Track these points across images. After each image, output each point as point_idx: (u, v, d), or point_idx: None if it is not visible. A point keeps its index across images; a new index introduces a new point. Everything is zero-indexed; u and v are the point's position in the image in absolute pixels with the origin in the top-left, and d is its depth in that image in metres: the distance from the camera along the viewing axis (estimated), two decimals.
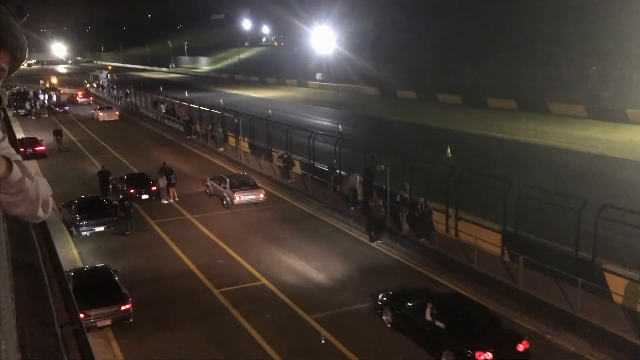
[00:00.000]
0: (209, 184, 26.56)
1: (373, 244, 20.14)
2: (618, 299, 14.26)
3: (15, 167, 1.55)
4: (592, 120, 44.11)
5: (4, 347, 1.43)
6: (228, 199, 24.26)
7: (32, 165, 30.10)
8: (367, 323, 14.54)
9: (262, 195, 24.49)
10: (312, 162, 28.35)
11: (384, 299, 14.54)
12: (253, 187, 24.95)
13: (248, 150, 34.84)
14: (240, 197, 23.91)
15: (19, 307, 2.57)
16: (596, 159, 31.08)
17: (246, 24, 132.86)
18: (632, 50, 48.07)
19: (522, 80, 56.10)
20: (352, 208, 23.24)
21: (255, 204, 24.54)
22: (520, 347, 12.13)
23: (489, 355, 11.62)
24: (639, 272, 13.66)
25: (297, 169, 29.19)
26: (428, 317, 12.91)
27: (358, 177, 24.16)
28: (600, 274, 14.84)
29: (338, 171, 25.90)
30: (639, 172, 27.83)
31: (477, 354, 11.64)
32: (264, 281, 17.06)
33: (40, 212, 1.64)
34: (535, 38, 57.23)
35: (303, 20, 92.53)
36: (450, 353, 12.19)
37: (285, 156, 29.56)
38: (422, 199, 19.78)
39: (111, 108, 57.28)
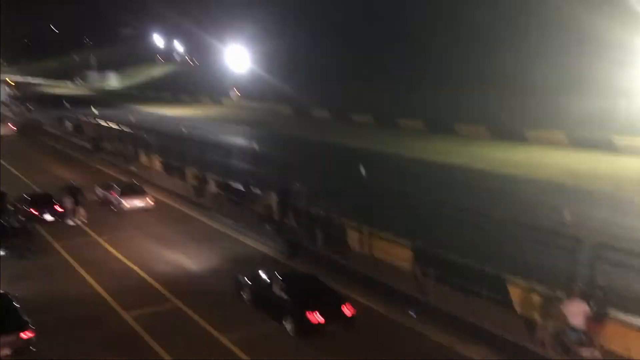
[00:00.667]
0: (97, 191, 27.24)
1: (289, 262, 20.11)
2: (519, 309, 15.05)
3: None
4: (494, 141, 46.58)
5: None
6: (118, 204, 25.60)
7: None
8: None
9: (149, 200, 26.23)
10: (226, 180, 28.07)
11: (243, 279, 16.92)
12: (140, 193, 26.53)
13: (160, 169, 34.02)
14: (128, 203, 25.50)
15: None
16: (498, 176, 32.79)
17: (158, 40, 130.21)
18: (527, 76, 51.43)
19: (429, 101, 58.39)
20: (268, 227, 23.18)
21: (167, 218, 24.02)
22: (345, 309, 15.08)
23: (317, 314, 14.54)
24: (540, 284, 14.45)
25: (211, 187, 28.79)
26: (276, 291, 15.65)
27: (274, 195, 24.16)
28: (504, 286, 15.62)
29: (253, 189, 25.79)
30: (539, 189, 29.62)
31: (307, 313, 14.54)
32: (176, 302, 16.64)
33: None
34: (443, 61, 60.02)
35: (217, 38, 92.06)
36: (289, 317, 14.94)
37: (199, 175, 29.12)
38: (337, 216, 20.07)
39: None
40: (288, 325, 14.91)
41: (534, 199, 27.29)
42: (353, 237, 20.35)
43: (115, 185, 27.22)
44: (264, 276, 16.56)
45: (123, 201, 25.65)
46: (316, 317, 14.55)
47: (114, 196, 26.32)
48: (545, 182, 30.91)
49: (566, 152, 40.00)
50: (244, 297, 16.73)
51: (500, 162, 36.95)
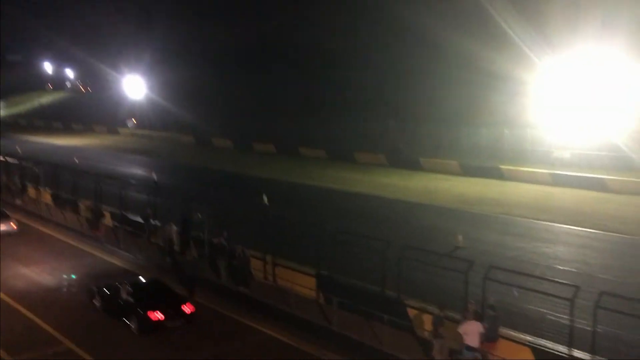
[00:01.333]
0: None
1: (191, 296, 19.58)
2: (417, 331, 15.56)
3: None
4: (392, 169, 48.30)
5: None
6: None
7: None
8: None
9: (13, 225, 26.75)
10: (123, 213, 27.04)
11: (95, 289, 18.55)
12: (4, 216, 27.02)
13: (51, 202, 32.20)
14: None
15: None
16: (396, 203, 33.98)
17: (47, 67, 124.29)
18: (426, 106, 54.17)
19: (330, 130, 59.68)
20: (168, 260, 22.53)
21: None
22: (185, 308, 17.08)
23: (158, 313, 16.50)
24: (436, 305, 15.02)
25: (107, 220, 27.59)
26: (123, 295, 17.38)
27: (175, 227, 23.57)
28: (403, 309, 16.09)
29: (152, 221, 25.02)
30: (434, 214, 30.96)
31: (148, 313, 16.46)
32: (70, 344, 15.73)
33: None
34: (344, 89, 61.97)
35: (112, 66, 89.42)
36: (134, 317, 16.72)
37: (92, 207, 27.86)
38: (240, 247, 19.88)
39: None
40: (133, 325, 16.72)
41: (430, 224, 28.53)
42: (257, 267, 20.22)
43: None
44: (113, 284, 18.36)
45: None
46: (156, 315, 16.50)
47: None
48: (439, 208, 32.39)
49: (459, 179, 42.15)
50: (96, 305, 18.23)
51: (397, 190, 38.30)
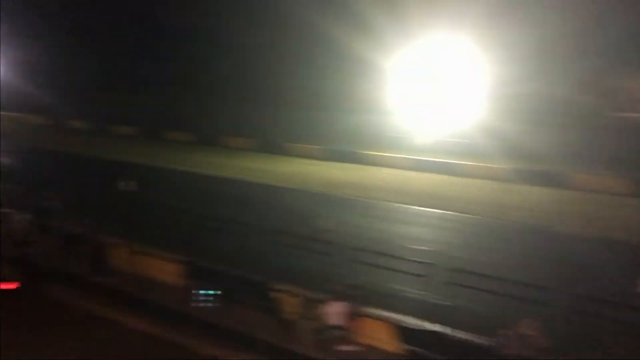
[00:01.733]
0: None
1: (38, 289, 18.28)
2: (282, 313, 15.82)
3: None
4: (259, 154, 48.39)
5: None
6: None
7: None
8: None
9: None
10: None
11: None
12: None
13: None
14: None
15: None
16: (262, 187, 34.11)
17: None
18: (283, 92, 54.81)
19: (197, 114, 58.38)
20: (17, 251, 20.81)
21: None
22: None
23: None
24: (301, 287, 15.33)
25: None
26: None
27: (26, 215, 21.81)
28: (267, 292, 16.24)
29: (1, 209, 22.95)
30: (300, 198, 31.46)
31: None
32: None
33: None
34: (210, 71, 60.71)
35: None
36: None
37: None
38: (99, 234, 18.89)
39: None
40: None
41: (295, 207, 28.96)
42: (118, 256, 19.32)
43: None
44: None
45: None
46: None
47: None
48: (303, 192, 33.00)
49: (323, 164, 43.18)
50: None
51: (263, 174, 38.44)
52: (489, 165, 38.29)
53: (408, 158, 42.27)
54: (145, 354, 14.59)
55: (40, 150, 46.65)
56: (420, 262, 14.83)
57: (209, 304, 16.22)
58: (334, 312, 14.28)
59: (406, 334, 14.23)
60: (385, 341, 14.54)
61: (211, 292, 16.79)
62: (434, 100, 46.64)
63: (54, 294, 17.90)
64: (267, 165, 42.27)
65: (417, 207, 29.61)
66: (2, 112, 69.43)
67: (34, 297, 17.60)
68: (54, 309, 17.00)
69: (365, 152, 44.27)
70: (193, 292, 17.06)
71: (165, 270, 18.22)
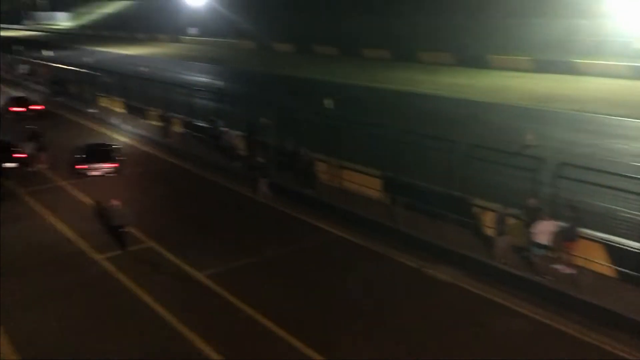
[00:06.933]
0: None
1: (260, 198, 20.19)
2: (486, 231, 15.57)
3: None
4: (459, 68, 46.61)
5: None
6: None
7: None
8: None
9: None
10: (191, 119, 27.71)
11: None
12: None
13: (123, 111, 33.28)
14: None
15: None
16: (462, 103, 33.05)
17: None
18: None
19: (393, 30, 57.72)
20: (236, 165, 23.11)
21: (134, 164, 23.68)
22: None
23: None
24: (505, 204, 14.87)
25: (176, 127, 28.39)
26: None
27: (236, 133, 23.98)
28: (469, 208, 16.05)
29: (219, 127, 25.51)
30: (503, 113, 30.00)
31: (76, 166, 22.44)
32: (151, 243, 16.68)
33: None
34: None
35: None
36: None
37: (163, 115, 28.62)
38: (303, 150, 20.09)
39: None
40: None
41: (498, 123, 27.72)
42: (322, 170, 20.48)
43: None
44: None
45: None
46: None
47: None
48: (508, 106, 31.31)
49: (529, 76, 40.34)
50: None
51: (463, 89, 37.15)
52: None
53: (627, 65, 37.57)
54: (346, 260, 15.51)
55: (249, 73, 50.28)
56: (636, 179, 13.34)
57: (408, 218, 16.58)
58: (542, 230, 13.67)
59: (621, 255, 13.20)
60: (598, 263, 13.65)
61: (411, 205, 17.11)
62: None
63: (268, 203, 19.70)
64: (467, 80, 40.77)
65: (636, 120, 26.52)
66: (214, 38, 75.64)
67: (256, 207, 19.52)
68: (269, 214, 18.77)
69: (577, 60, 40.27)
70: (393, 205, 17.56)
71: (367, 184, 18.91)
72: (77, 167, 22.70)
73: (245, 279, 14.49)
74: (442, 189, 16.84)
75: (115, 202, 16.33)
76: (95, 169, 22.71)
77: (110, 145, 25.03)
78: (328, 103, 31.23)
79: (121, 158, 23.53)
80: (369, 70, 47.68)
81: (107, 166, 22.76)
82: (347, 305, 13.11)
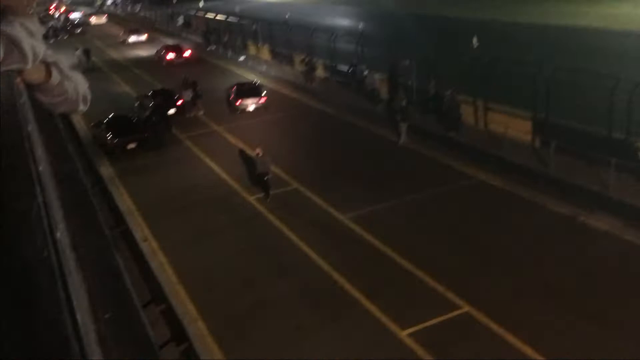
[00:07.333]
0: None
1: (401, 143, 20.00)
2: None
3: (54, 72, 1.57)
4: None
5: (61, 248, 1.51)
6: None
7: None
8: None
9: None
10: (333, 64, 27.94)
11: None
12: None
13: (269, 58, 34.33)
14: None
15: (68, 215, 2.69)
16: (628, 36, 29.78)
17: None
18: None
19: None
20: (379, 108, 23.03)
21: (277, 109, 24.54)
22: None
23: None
24: None
25: (319, 71, 28.77)
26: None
27: (379, 76, 23.76)
28: (632, 151, 14.65)
29: (361, 71, 25.41)
30: None
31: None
32: (296, 185, 17.34)
33: (81, 106, 1.70)
34: None
35: None
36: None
37: (307, 60, 29.11)
38: (449, 92, 19.46)
39: (140, 30, 53.83)
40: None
41: None
42: (467, 112, 19.75)
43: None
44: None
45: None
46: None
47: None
48: None
49: None
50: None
51: (629, 20, 33.38)
52: None
53: None
54: (493, 206, 15.01)
55: (390, 14, 49.14)
56: None
57: (561, 162, 15.54)
58: None
59: None
60: None
61: (563, 149, 16.01)
62: None
63: (412, 146, 19.50)
64: (635, 9, 36.55)
65: None
66: None
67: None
68: (412, 157, 18.62)
69: None
70: (543, 149, 16.55)
71: (514, 126, 17.93)
72: (236, 104, 25.28)
73: (386, 223, 14.63)
74: (600, 130, 15.52)
75: (257, 151, 17.04)
76: (249, 104, 25.34)
77: (257, 82, 27.95)
78: (474, 42, 29.71)
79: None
80: (519, 4, 44.43)
81: (257, 100, 25.53)
82: (492, 254, 12.77)
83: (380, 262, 12.84)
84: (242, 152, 20.13)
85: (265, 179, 16.68)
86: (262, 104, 25.38)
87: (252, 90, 26.33)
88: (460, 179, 16.80)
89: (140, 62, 40.26)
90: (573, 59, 22.70)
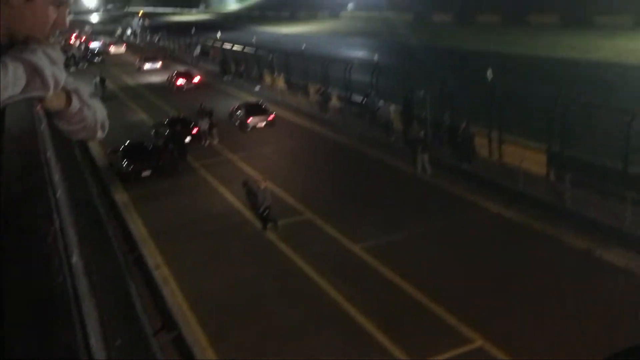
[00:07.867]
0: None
1: (419, 173, 19.93)
2: None
3: (74, 99, 1.60)
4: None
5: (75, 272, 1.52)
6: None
7: None
8: None
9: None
10: (348, 94, 28.14)
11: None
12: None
13: (285, 88, 34.68)
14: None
15: (82, 240, 2.72)
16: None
17: None
18: None
19: None
20: (392, 138, 23.08)
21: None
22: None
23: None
24: None
25: (334, 102, 28.98)
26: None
27: (393, 107, 23.89)
28: None
29: (376, 101, 25.54)
30: None
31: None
32: (309, 214, 17.32)
33: (100, 134, 1.72)
34: None
35: None
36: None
37: (322, 90, 29.35)
38: (464, 124, 19.48)
39: (156, 57, 55.24)
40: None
41: None
42: (481, 144, 19.73)
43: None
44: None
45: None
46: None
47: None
48: None
49: None
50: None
51: None
52: None
53: None
54: (506, 239, 14.87)
55: (405, 45, 49.62)
56: None
57: (576, 195, 15.40)
58: None
59: None
60: None
61: (578, 182, 15.89)
62: None
63: (424, 179, 19.47)
64: None
65: None
66: (370, 12, 75.58)
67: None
68: (426, 189, 18.58)
69: None
70: (558, 182, 16.44)
71: (528, 158, 17.87)
72: (247, 121, 27.14)
73: (399, 254, 14.53)
74: (616, 164, 15.40)
75: (260, 183, 16.99)
76: (258, 121, 27.27)
77: (263, 102, 30.00)
78: (488, 74, 29.77)
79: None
80: (534, 37, 44.69)
81: (266, 118, 27.51)
82: (507, 288, 12.61)
83: (393, 292, 12.72)
84: (245, 183, 20.08)
85: (267, 212, 16.47)
86: (270, 121, 27.26)
87: (260, 109, 28.22)
88: (475, 211, 16.70)
89: (154, 88, 40.95)
90: (588, 92, 22.71)
